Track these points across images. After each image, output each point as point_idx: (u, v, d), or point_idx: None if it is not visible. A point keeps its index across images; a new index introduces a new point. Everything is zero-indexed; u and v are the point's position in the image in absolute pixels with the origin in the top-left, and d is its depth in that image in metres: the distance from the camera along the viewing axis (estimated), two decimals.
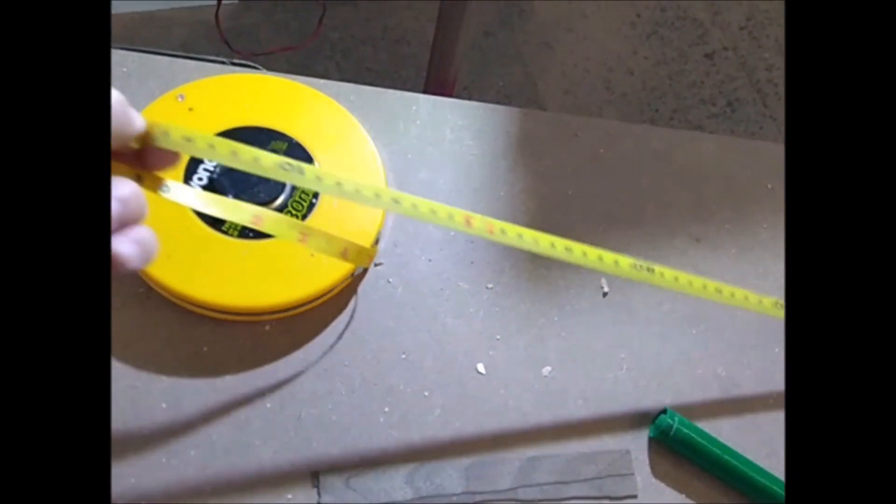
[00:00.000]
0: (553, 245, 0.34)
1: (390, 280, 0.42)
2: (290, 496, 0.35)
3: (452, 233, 0.44)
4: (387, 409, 0.38)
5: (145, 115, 0.41)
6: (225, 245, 0.38)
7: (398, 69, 1.52)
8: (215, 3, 1.42)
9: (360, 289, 0.41)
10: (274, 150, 0.41)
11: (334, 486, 0.36)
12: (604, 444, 0.39)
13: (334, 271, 0.38)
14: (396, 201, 0.32)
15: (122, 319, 0.38)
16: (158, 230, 0.38)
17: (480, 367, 0.40)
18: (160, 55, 0.46)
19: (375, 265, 0.42)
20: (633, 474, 0.38)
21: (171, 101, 0.42)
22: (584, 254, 0.35)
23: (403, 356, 0.40)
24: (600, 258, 0.35)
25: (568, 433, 0.39)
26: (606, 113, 1.41)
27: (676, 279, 0.37)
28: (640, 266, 0.36)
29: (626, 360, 0.41)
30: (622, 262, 0.36)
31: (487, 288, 0.42)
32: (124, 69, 0.45)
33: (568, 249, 0.35)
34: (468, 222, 0.33)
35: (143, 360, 0.37)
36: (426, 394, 0.39)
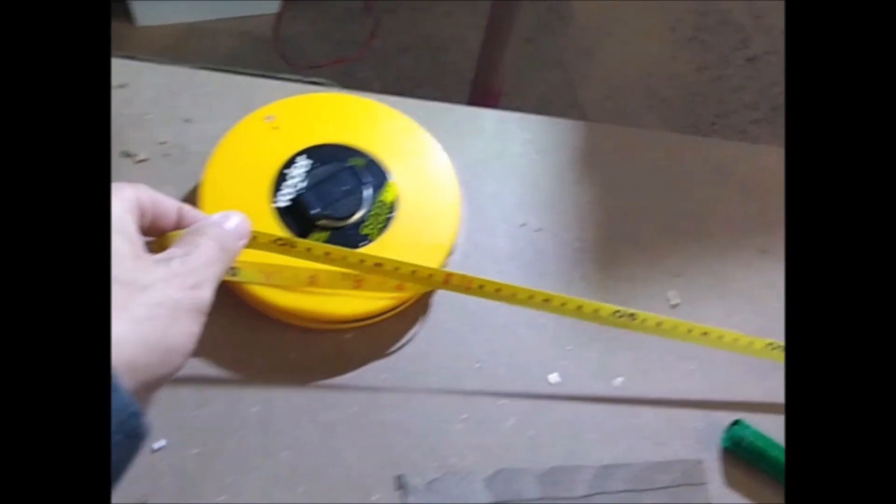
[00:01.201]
0: (531, 297, 0.39)
1: None
2: (375, 497, 0.37)
3: (521, 244, 0.45)
4: (464, 416, 0.40)
5: (233, 135, 0.44)
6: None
7: (439, 77, 1.54)
8: (260, 14, 1.46)
9: (435, 299, 0.43)
10: (353, 166, 0.43)
11: (417, 489, 0.37)
12: (676, 453, 0.40)
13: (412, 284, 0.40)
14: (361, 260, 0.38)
15: (216, 326, 0.40)
16: None
17: (553, 378, 0.41)
18: (240, 75, 0.48)
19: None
20: (705, 483, 0.39)
21: (258, 121, 0.44)
22: (563, 304, 0.39)
23: (478, 365, 0.41)
24: (579, 308, 0.39)
25: (641, 442, 0.40)
26: (647, 118, 1.41)
27: (659, 325, 0.39)
28: (622, 314, 0.39)
29: (697, 371, 0.42)
30: (603, 311, 0.39)
31: None
32: (208, 89, 0.47)
33: (546, 301, 0.39)
34: (447, 280, 0.38)
35: (235, 365, 0.39)
36: (501, 402, 0.40)
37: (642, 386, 0.41)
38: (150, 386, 0.29)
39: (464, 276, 0.38)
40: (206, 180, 0.41)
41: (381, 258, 0.38)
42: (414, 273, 0.38)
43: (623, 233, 0.46)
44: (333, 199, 0.41)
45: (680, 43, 1.53)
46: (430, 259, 0.41)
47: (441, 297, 0.43)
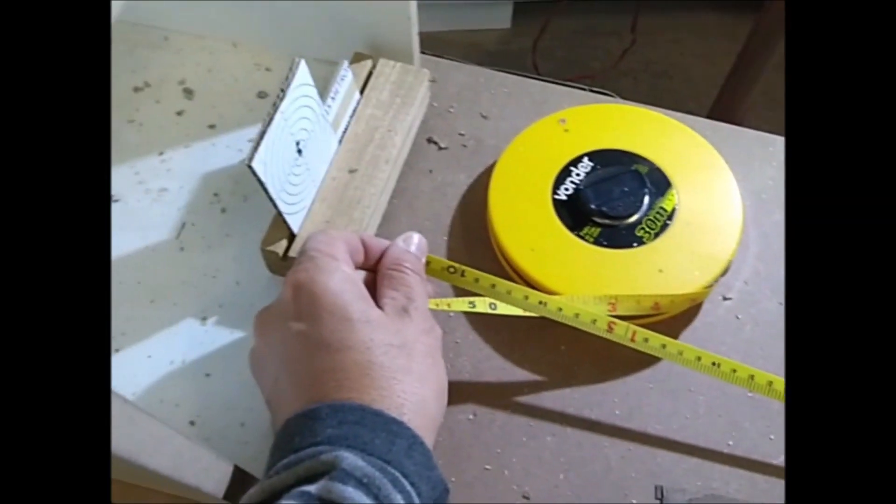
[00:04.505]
0: (718, 365, 0.37)
1: (738, 316, 0.42)
2: (633, 501, 0.37)
3: None
4: (730, 443, 0.38)
5: (529, 132, 0.46)
6: (581, 249, 0.42)
7: (655, 102, 1.50)
8: (489, 29, 1.54)
9: (708, 320, 0.42)
10: (636, 171, 0.44)
11: None
12: None
13: (676, 288, 0.40)
14: (542, 303, 0.38)
15: None
16: (524, 226, 0.43)
17: None
18: (534, 79, 0.51)
19: (724, 299, 0.43)
20: None
21: (552, 122, 0.46)
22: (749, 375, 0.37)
23: (750, 395, 0.40)
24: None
25: None
26: None
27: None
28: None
29: None
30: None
31: None
32: (505, 90, 0.51)
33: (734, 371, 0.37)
34: (610, 328, 0.37)
35: (508, 347, 0.41)
36: (772, 437, 0.38)
37: None
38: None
39: (628, 327, 0.37)
40: (499, 166, 0.45)
41: (548, 297, 0.38)
42: (577, 316, 0.38)
43: None
44: (612, 197, 0.42)
45: None
46: (703, 271, 0.41)
47: (714, 319, 0.42)
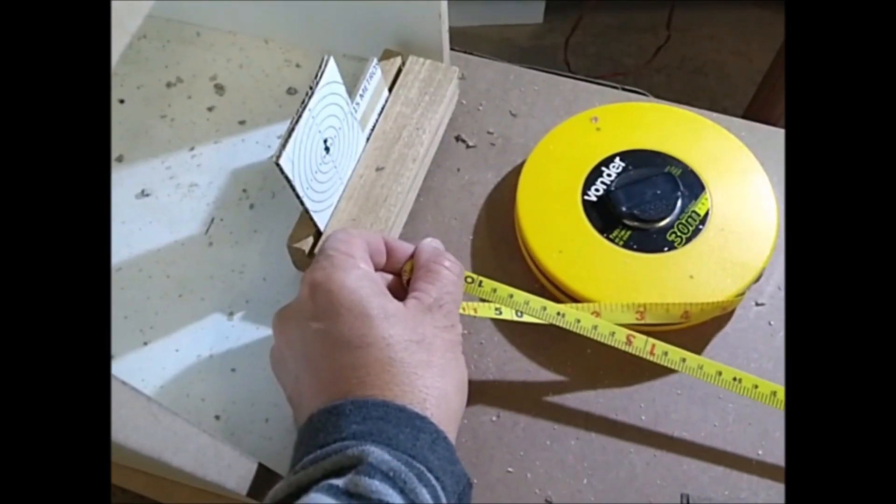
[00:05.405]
0: (741, 381, 0.36)
1: (771, 322, 0.41)
2: None
3: None
4: (760, 453, 0.37)
5: (559, 130, 0.46)
6: (610, 252, 0.41)
7: (690, 100, 1.47)
8: (521, 24, 1.52)
9: (740, 326, 0.41)
10: (669, 173, 0.43)
11: None
12: None
13: (707, 295, 0.39)
14: (560, 314, 0.37)
15: None
16: (552, 227, 0.43)
17: None
18: (565, 77, 0.51)
19: (757, 304, 0.41)
20: None
21: (584, 120, 0.45)
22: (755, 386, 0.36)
23: None
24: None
25: None
26: None
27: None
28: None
29: None
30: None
31: None
32: (535, 87, 0.50)
33: (745, 384, 0.36)
34: (629, 341, 0.37)
35: (533, 350, 0.41)
36: None
37: None
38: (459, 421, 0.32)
39: (647, 340, 0.36)
40: (528, 165, 0.44)
41: (566, 309, 0.37)
42: (595, 328, 0.37)
43: None
44: (643, 200, 0.41)
45: None
46: (735, 278, 0.40)
47: (746, 325, 0.41)
